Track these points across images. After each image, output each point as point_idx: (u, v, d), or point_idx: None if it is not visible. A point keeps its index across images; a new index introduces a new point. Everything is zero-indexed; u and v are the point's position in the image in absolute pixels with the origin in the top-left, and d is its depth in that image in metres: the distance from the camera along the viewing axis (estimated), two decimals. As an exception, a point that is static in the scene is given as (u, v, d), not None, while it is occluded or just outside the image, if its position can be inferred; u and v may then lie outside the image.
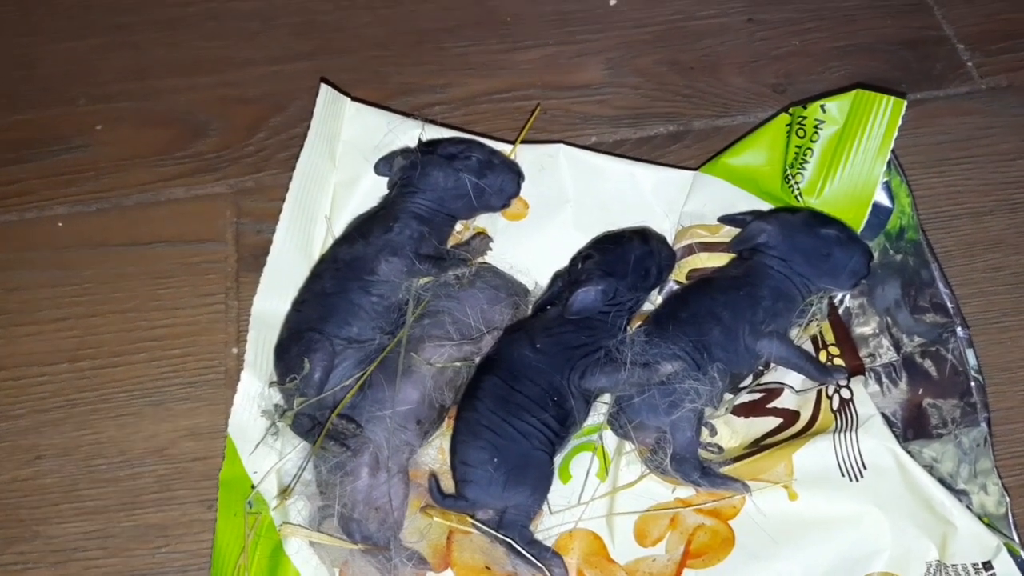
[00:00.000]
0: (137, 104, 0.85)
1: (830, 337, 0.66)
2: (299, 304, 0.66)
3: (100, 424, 0.69)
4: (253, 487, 0.62)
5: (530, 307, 0.69)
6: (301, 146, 0.73)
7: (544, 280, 0.70)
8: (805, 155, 0.69)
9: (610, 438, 0.65)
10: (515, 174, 0.70)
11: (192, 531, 0.64)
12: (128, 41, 0.89)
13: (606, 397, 0.65)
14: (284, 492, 0.61)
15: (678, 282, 0.69)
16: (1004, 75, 0.84)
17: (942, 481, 0.59)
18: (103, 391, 0.70)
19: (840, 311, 0.68)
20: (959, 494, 0.60)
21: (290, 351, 0.64)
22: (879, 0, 0.90)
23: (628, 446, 0.64)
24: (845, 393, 0.62)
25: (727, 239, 0.69)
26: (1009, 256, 0.74)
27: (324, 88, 0.74)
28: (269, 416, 0.63)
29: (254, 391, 0.65)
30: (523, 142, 0.74)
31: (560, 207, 0.72)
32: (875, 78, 0.84)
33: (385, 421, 0.61)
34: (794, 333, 0.66)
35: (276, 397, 0.64)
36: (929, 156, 0.79)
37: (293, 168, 0.72)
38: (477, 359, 0.65)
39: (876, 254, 0.68)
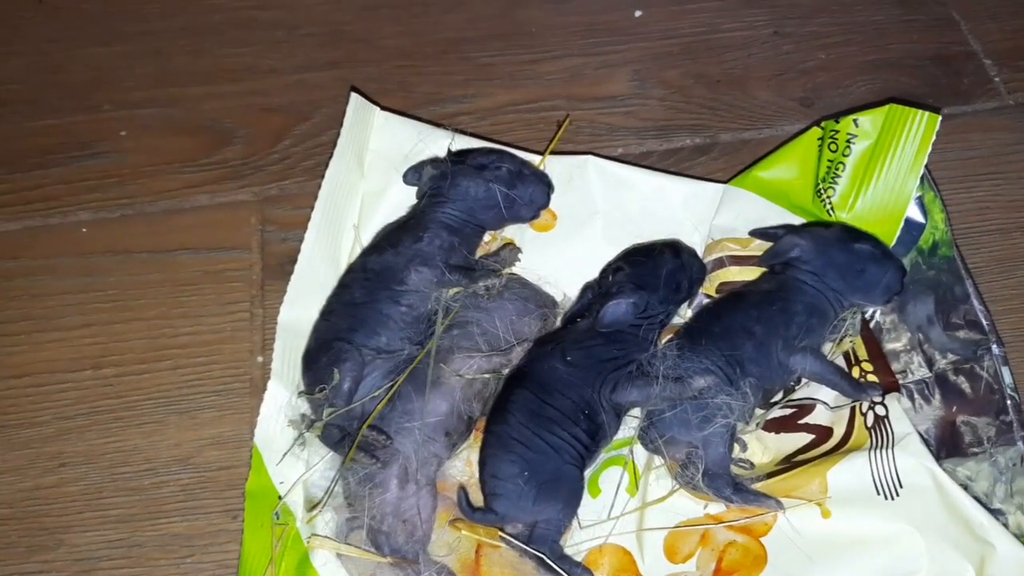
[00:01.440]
0: (162, 111, 0.85)
1: (863, 353, 0.65)
2: (328, 313, 0.66)
3: (124, 432, 0.68)
4: (280, 498, 0.62)
5: (558, 319, 0.68)
6: (327, 154, 0.72)
7: (572, 292, 0.69)
8: (837, 169, 0.69)
9: (640, 453, 0.64)
10: (545, 185, 0.70)
11: (218, 541, 0.64)
12: (153, 48, 0.89)
13: (636, 411, 0.64)
14: (315, 506, 0.61)
15: (708, 295, 0.69)
16: (1033, 91, 0.84)
17: (977, 500, 0.58)
18: (127, 399, 0.70)
19: (871, 326, 0.68)
20: (995, 514, 0.59)
21: (319, 361, 0.63)
22: (906, 15, 0.90)
23: (658, 461, 0.63)
24: (880, 410, 0.61)
25: (758, 252, 0.68)
26: (1040, 273, 0.74)
27: (354, 96, 0.74)
28: (296, 426, 0.63)
29: (280, 400, 0.65)
30: (551, 153, 0.74)
31: (589, 219, 0.72)
32: (902, 93, 0.84)
33: (414, 433, 0.61)
34: (827, 349, 0.65)
35: (303, 407, 0.64)
36: (957, 172, 0.79)
37: (318, 176, 0.72)
38: (506, 371, 0.64)
39: (908, 270, 0.67)
